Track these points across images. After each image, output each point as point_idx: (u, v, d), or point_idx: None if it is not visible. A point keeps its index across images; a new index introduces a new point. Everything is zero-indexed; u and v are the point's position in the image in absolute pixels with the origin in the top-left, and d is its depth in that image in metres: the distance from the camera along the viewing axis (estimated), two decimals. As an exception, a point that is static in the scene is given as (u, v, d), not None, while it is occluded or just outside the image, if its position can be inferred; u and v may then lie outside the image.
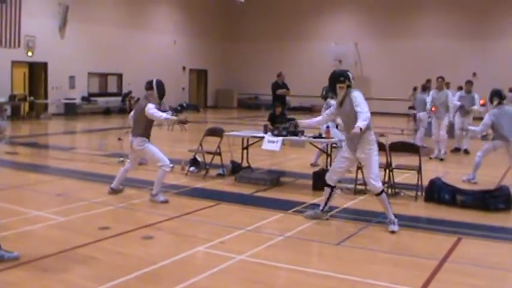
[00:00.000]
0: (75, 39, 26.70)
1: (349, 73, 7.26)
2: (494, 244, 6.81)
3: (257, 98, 35.27)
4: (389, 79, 31.52)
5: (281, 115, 13.99)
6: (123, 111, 28.98)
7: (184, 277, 5.31)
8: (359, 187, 9.48)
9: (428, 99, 14.33)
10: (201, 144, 11.07)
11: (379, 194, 7.16)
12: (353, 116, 6.99)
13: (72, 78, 27.08)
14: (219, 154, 10.77)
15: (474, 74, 28.45)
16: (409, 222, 7.52)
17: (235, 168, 10.84)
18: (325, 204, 7.64)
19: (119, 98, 29.48)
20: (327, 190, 7.60)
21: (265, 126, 10.72)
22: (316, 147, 10.76)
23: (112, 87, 30.02)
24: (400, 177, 9.90)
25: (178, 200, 8.44)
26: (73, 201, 8.41)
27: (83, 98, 27.70)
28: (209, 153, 10.84)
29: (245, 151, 11.02)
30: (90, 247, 6.20)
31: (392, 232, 7.02)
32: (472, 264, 5.95)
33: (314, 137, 10.14)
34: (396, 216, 7.41)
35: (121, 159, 12.20)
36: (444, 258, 6.11)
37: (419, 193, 9.13)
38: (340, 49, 32.92)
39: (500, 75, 26.30)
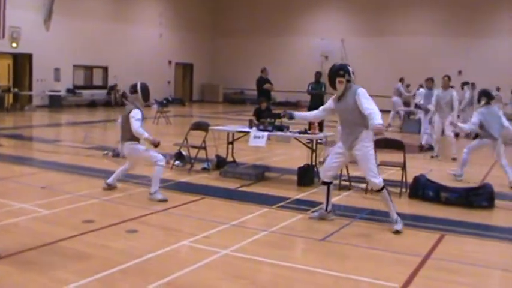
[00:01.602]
0: (61, 31, 26.47)
1: (349, 67, 7.10)
2: (477, 241, 6.87)
3: (243, 92, 35.24)
4: (375, 75, 31.59)
5: (267, 110, 13.98)
6: (108, 104, 28.91)
7: (168, 271, 5.31)
8: (343, 183, 9.52)
9: (433, 98, 14.01)
10: (186, 139, 11.05)
11: (380, 191, 7.05)
12: (353, 112, 6.90)
13: (57, 70, 26.86)
14: (204, 148, 10.76)
15: (460, 72, 28.64)
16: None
17: (220, 163, 10.83)
18: (327, 203, 7.48)
19: (104, 91, 29.37)
20: (324, 188, 7.49)
21: (251, 121, 10.72)
22: (303, 143, 10.74)
23: (97, 79, 29.83)
24: (384, 174, 9.94)
25: (163, 194, 8.40)
26: (57, 194, 8.37)
27: (68, 90, 27.49)
28: (194, 147, 10.83)
29: (230, 146, 11.02)
30: (74, 240, 6.17)
31: (397, 232, 6.92)
32: (455, 261, 5.99)
33: (300, 133, 10.16)
34: (381, 213, 7.46)
35: (105, 152, 12.16)
36: (427, 254, 6.15)
37: (403, 190, 9.18)
38: (327, 45, 32.95)
39: (485, 73, 26.54)
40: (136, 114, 8.19)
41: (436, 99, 13.78)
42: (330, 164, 7.38)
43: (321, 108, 7.69)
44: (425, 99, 15.63)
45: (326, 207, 7.50)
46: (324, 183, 7.48)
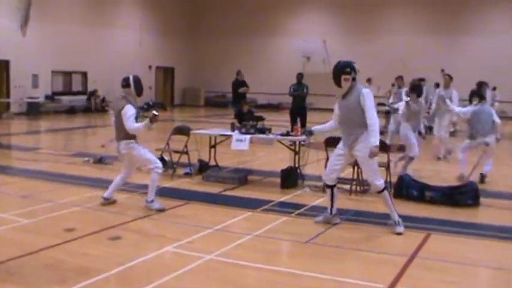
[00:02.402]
0: (38, 37, 26.24)
1: (354, 64, 7.03)
2: (463, 240, 6.93)
3: (225, 96, 35.15)
4: (358, 76, 31.73)
5: (248, 112, 14.01)
6: (88, 110, 28.73)
7: (152, 278, 5.29)
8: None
9: (435, 97, 13.96)
10: (168, 143, 11.02)
11: (380, 192, 7.03)
12: (355, 112, 6.84)
13: (35, 76, 26.63)
14: (186, 153, 10.74)
15: (442, 70, 28.83)
16: (378, 219, 7.58)
17: (203, 167, 10.81)
18: (332, 207, 7.38)
19: (84, 97, 29.18)
20: (328, 191, 7.40)
21: (233, 124, 10.73)
22: (286, 145, 10.75)
23: (77, 85, 29.61)
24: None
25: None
26: (38, 203, 8.29)
27: (47, 97, 27.26)
28: (176, 152, 10.80)
29: (212, 149, 11.00)
30: (55, 249, 6.12)
31: (399, 234, 6.91)
32: (442, 260, 6.04)
33: (282, 135, 10.18)
34: (366, 213, 7.49)
35: (86, 159, 12.09)
36: (414, 254, 6.20)
37: (388, 190, 9.20)
38: (309, 46, 33.01)
39: (468, 71, 26.73)
40: (128, 110, 7.73)
41: (437, 98, 13.72)
42: (332, 166, 7.28)
43: (334, 114, 7.42)
44: (393, 98, 15.70)
45: (331, 211, 7.40)
46: (328, 186, 7.39)
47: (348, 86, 6.95)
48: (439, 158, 13.38)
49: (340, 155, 7.19)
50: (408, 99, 10.81)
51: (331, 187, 7.35)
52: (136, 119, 7.80)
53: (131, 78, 8.00)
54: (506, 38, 29.20)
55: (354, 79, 6.95)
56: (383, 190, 7.01)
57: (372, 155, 6.72)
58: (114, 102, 8.24)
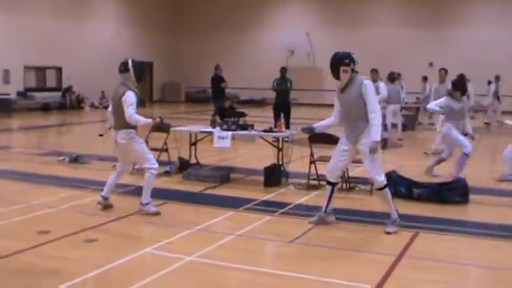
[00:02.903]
0: (9, 30, 26.02)
1: (353, 56, 6.92)
2: (452, 238, 6.98)
3: (206, 91, 35.05)
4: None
5: (230, 108, 13.99)
6: (63, 106, 28.53)
7: (131, 281, 5.27)
8: (312, 182, 9.56)
9: (432, 92, 13.91)
10: (146, 141, 10.91)
11: (381, 189, 7.01)
12: (357, 105, 6.77)
13: (6, 71, 26.39)
14: (166, 150, 10.71)
15: (430, 64, 29.03)
16: (365, 218, 7.62)
17: (183, 165, 10.79)
18: (327, 205, 7.33)
19: (59, 93, 28.97)
20: (328, 188, 7.33)
21: (213, 121, 10.72)
22: (269, 142, 10.75)
23: (51, 81, 29.40)
24: (354, 171, 10.02)
25: (124, 200, 8.33)
26: (9, 204, 8.19)
27: (19, 93, 27.03)
28: (155, 149, 10.75)
29: (193, 147, 10.98)
30: (28, 253, 6.06)
31: (388, 233, 6.91)
32: (430, 259, 6.08)
33: (265, 131, 10.19)
34: (351, 212, 7.51)
35: (61, 158, 12.01)
36: (401, 253, 6.23)
37: (374, 187, 9.25)
38: (292, 39, 33.04)
39: (457, 64, 26.92)
40: (129, 97, 7.42)
41: (434, 92, 13.73)
42: (336, 162, 7.21)
43: (335, 108, 7.31)
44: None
45: (325, 209, 7.35)
46: (329, 183, 7.32)
47: (347, 78, 6.87)
48: (427, 153, 13.46)
49: (344, 150, 7.11)
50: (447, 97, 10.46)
51: (333, 185, 7.31)
52: (137, 107, 7.56)
53: (130, 62, 7.73)
54: (495, 31, 29.45)
55: (353, 70, 6.86)
56: (385, 187, 6.98)
57: (372, 150, 6.70)
58: (113, 89, 7.82)
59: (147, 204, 7.70)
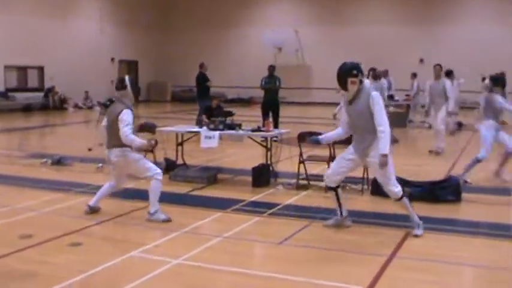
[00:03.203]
0: (-11, 29, 25.92)
1: (361, 66, 6.89)
2: (444, 237, 7.00)
3: (192, 90, 34.92)
4: (332, 67, 31.83)
5: (217, 108, 13.97)
6: (46, 107, 28.39)
7: (116, 285, 5.26)
8: (301, 182, 9.58)
9: (426, 89, 13.85)
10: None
11: (399, 200, 6.90)
12: (365, 117, 6.70)
13: (-14, 72, 26.31)
14: (152, 151, 10.67)
15: (421, 60, 29.17)
16: (356, 218, 7.62)
17: (170, 166, 10.76)
18: (341, 209, 7.26)
19: (41, 94, 28.82)
20: (332, 194, 7.30)
21: (200, 121, 10.72)
22: (257, 141, 10.74)
23: (33, 81, 29.25)
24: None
25: (108, 203, 8.29)
26: (-9, 208, 8.17)
27: (0, 94, 26.90)
28: (141, 150, 10.71)
29: (180, 147, 10.96)
30: (10, 258, 6.03)
31: (416, 236, 6.85)
32: (422, 259, 6.10)
33: (253, 130, 10.19)
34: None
35: (44, 160, 11.94)
36: (393, 253, 6.25)
37: (365, 186, 9.29)
38: (280, 36, 33.05)
39: (448, 61, 27.05)
40: (127, 116, 7.37)
41: (428, 90, 13.66)
42: (338, 168, 7.11)
43: (342, 120, 7.23)
44: None
45: (340, 213, 7.28)
46: (329, 188, 7.30)
47: (355, 90, 6.78)
48: (432, 152, 13.52)
49: (350, 159, 7.03)
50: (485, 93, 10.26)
51: (335, 189, 7.23)
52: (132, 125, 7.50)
53: (127, 78, 7.72)
54: (487, 27, 29.61)
55: (361, 82, 6.80)
56: (402, 197, 6.89)
57: (382, 164, 6.59)
58: (110, 106, 7.80)
59: (155, 212, 7.53)
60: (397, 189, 6.84)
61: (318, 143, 7.47)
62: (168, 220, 7.50)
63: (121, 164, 7.64)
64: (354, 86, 6.76)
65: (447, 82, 13.59)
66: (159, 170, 7.64)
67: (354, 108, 6.86)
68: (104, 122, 7.89)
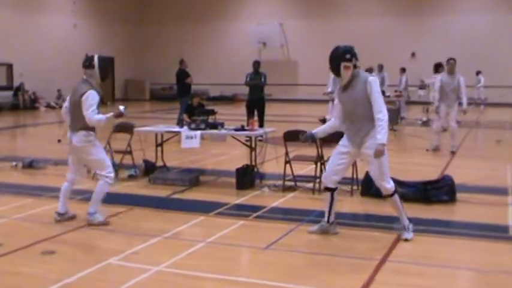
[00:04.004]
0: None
1: (355, 50, 6.76)
2: (439, 240, 7.04)
3: (172, 88, 34.93)
4: (318, 62, 31.87)
5: (199, 106, 13.98)
6: (15, 107, 28.22)
7: (92, 295, 5.24)
8: (288, 183, 9.59)
9: (437, 84, 13.81)
10: (108, 142, 10.88)
11: (390, 196, 6.87)
12: (362, 104, 6.60)
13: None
14: (130, 153, 10.66)
15: (413, 54, 29.33)
16: (345, 220, 7.65)
17: (149, 168, 10.75)
18: (329, 213, 7.10)
19: (10, 92, 28.65)
20: (327, 195, 7.13)
21: (180, 120, 10.71)
22: (241, 141, 10.75)
23: (1, 79, 29.07)
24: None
25: (84, 208, 8.24)
26: (-43, 215, 8.10)
27: (-34, 93, 26.79)
28: (118, 152, 10.70)
29: (159, 148, 10.94)
30: (-21, 268, 6.00)
31: (406, 240, 6.81)
32: (415, 263, 6.14)
33: (236, 130, 10.20)
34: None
35: (14, 163, 11.87)
36: (384, 257, 6.27)
37: (354, 187, 9.32)
38: (264, 30, 33.14)
39: (441, 54, 27.21)
40: (91, 98, 7.26)
41: (440, 85, 13.59)
42: (335, 166, 6.99)
43: (335, 113, 7.17)
44: (333, 86, 16.19)
45: (328, 219, 7.13)
46: (328, 189, 7.11)
47: (349, 76, 6.69)
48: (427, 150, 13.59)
49: (344, 153, 6.93)
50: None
51: (332, 190, 7.08)
52: (98, 107, 7.38)
53: (96, 57, 7.61)
54: (478, 18, 29.83)
55: (355, 66, 6.69)
56: (393, 194, 6.86)
57: (377, 154, 6.49)
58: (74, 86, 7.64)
59: (95, 213, 7.53)
60: (389, 185, 6.81)
61: (313, 138, 7.38)
62: (105, 224, 7.51)
63: (81, 151, 7.53)
64: (347, 71, 6.67)
65: (461, 78, 13.51)
66: (112, 174, 7.61)
67: (349, 95, 6.75)
68: (67, 103, 7.78)
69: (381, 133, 6.49)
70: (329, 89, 17.50)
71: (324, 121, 20.55)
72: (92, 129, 7.46)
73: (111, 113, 7.42)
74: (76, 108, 7.44)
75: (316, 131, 7.33)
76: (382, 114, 6.52)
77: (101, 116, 7.29)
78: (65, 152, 8.38)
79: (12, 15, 28.56)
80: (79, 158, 7.70)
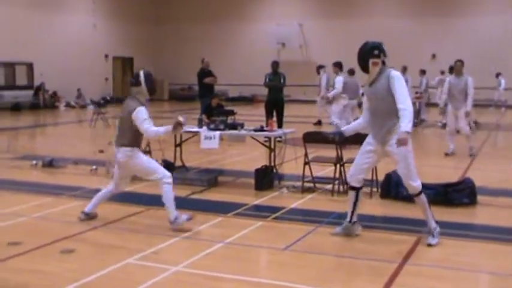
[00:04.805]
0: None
1: (384, 46, 6.77)
2: (459, 243, 6.98)
3: (191, 88, 35.11)
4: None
5: (218, 107, 13.99)
6: (36, 106, 28.41)
7: (111, 294, 5.25)
8: (307, 184, 9.57)
9: (445, 86, 13.71)
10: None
11: (417, 195, 6.80)
12: (386, 100, 6.58)
13: (-28, 68, 26.35)
14: (149, 152, 10.68)
15: (433, 56, 29.16)
16: (364, 222, 7.60)
17: (168, 168, 10.71)
18: (352, 214, 7.06)
19: (31, 92, 28.83)
20: (352, 194, 7.08)
21: (200, 120, 10.71)
22: (260, 142, 10.74)
23: (21, 79, 29.24)
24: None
25: (103, 207, 8.27)
26: (-23, 213, 8.17)
27: (-14, 92, 26.99)
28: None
29: (178, 148, 10.96)
30: (-1, 266, 6.04)
31: (430, 245, 6.72)
32: (435, 266, 6.09)
33: (255, 130, 10.18)
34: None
35: (34, 162, 11.95)
36: (404, 260, 6.23)
37: (374, 189, 9.28)
38: (283, 31, 33.10)
39: (463, 56, 27.05)
40: (141, 113, 7.30)
41: (447, 86, 13.53)
42: (360, 165, 6.97)
43: (363, 109, 7.18)
44: (326, 88, 16.23)
45: (351, 219, 7.09)
46: (352, 188, 7.07)
47: (377, 72, 6.72)
48: (446, 154, 13.49)
49: (370, 151, 6.90)
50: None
51: (357, 189, 7.04)
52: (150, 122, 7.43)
53: (142, 74, 7.62)
54: (499, 20, 29.59)
55: (383, 63, 6.73)
56: (420, 193, 6.79)
57: (400, 142, 6.37)
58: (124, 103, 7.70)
59: (176, 219, 7.44)
60: (416, 183, 6.74)
61: (341, 135, 7.39)
62: (190, 218, 7.62)
63: (128, 165, 7.56)
64: (375, 68, 6.70)
65: (469, 79, 13.39)
66: (168, 173, 7.54)
67: (374, 90, 6.76)
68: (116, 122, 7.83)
69: (404, 122, 6.43)
70: (330, 94, 17.39)
71: (319, 123, 20.65)
72: (136, 144, 7.50)
73: (169, 126, 7.34)
74: (123, 124, 7.52)
75: (346, 128, 7.36)
76: (405, 104, 6.50)
77: (157, 128, 7.34)
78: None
79: (32, 15, 28.77)
80: (125, 171, 7.72)
